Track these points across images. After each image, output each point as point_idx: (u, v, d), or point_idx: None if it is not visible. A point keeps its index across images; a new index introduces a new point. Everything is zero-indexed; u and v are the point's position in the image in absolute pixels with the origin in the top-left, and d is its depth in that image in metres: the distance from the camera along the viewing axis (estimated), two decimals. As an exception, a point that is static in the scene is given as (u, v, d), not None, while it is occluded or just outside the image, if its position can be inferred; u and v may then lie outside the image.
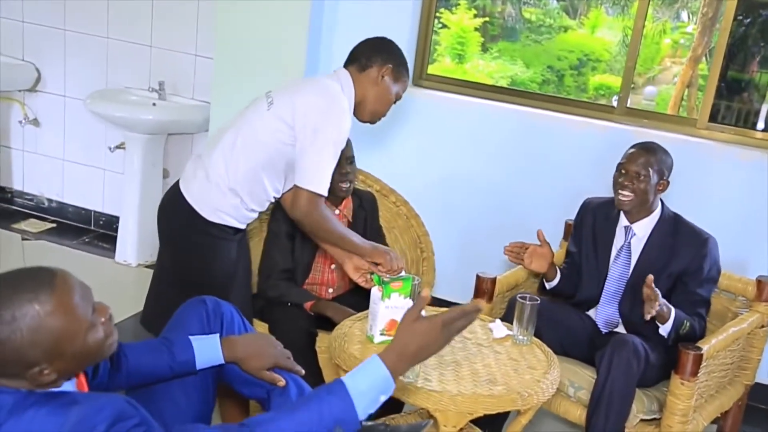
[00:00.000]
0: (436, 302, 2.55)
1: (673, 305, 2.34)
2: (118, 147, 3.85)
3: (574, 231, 2.73)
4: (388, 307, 2.05)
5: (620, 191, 2.46)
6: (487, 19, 4.90)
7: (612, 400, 2.22)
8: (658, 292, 2.24)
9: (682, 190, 2.81)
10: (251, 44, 3.28)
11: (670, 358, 2.27)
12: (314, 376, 2.24)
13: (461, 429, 1.91)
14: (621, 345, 2.25)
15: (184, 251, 2.36)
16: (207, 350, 1.75)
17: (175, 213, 2.36)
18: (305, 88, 2.33)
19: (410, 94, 3.37)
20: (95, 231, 4.19)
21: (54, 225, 4.22)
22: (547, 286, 2.65)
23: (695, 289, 2.43)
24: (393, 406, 2.29)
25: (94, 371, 1.59)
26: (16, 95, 4.15)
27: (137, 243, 3.78)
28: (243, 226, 2.41)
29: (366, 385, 1.39)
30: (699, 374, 2.21)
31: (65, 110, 4.09)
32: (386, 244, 2.68)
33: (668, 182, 2.49)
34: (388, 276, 2.29)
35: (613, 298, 2.55)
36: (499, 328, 2.25)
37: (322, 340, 2.36)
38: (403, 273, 2.35)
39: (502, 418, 2.39)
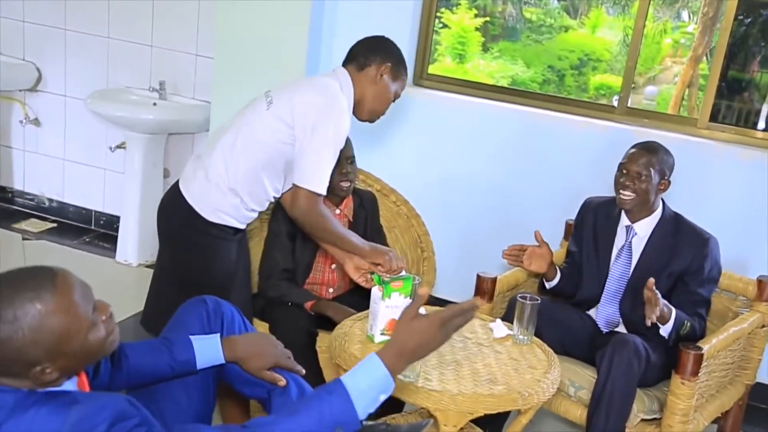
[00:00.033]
0: (437, 302, 2.55)
1: (674, 305, 2.34)
2: (118, 147, 3.86)
3: (574, 230, 2.72)
4: (389, 306, 2.05)
5: (621, 191, 2.46)
6: (487, 18, 4.90)
7: (613, 399, 2.22)
8: (659, 296, 2.24)
9: (683, 190, 2.81)
10: (252, 44, 3.28)
11: (671, 358, 2.27)
12: (315, 375, 2.24)
13: (462, 428, 1.91)
14: (622, 345, 2.25)
15: (184, 251, 2.37)
16: (207, 350, 1.75)
17: (174, 213, 2.36)
18: (304, 87, 2.33)
19: (411, 94, 3.37)
20: (96, 231, 4.19)
21: (54, 225, 4.22)
22: (547, 285, 2.65)
23: (696, 289, 2.43)
24: (393, 405, 2.29)
25: (95, 371, 1.60)
26: (16, 95, 4.15)
27: (138, 243, 3.78)
28: (243, 226, 2.41)
29: (366, 384, 1.39)
30: (700, 374, 2.21)
31: (66, 110, 4.10)
32: (387, 244, 2.68)
33: (670, 182, 2.49)
34: (388, 276, 2.29)
35: (614, 297, 2.55)
36: (500, 328, 2.25)
37: (323, 339, 2.36)
38: (403, 273, 2.35)
39: (502, 417, 2.39)
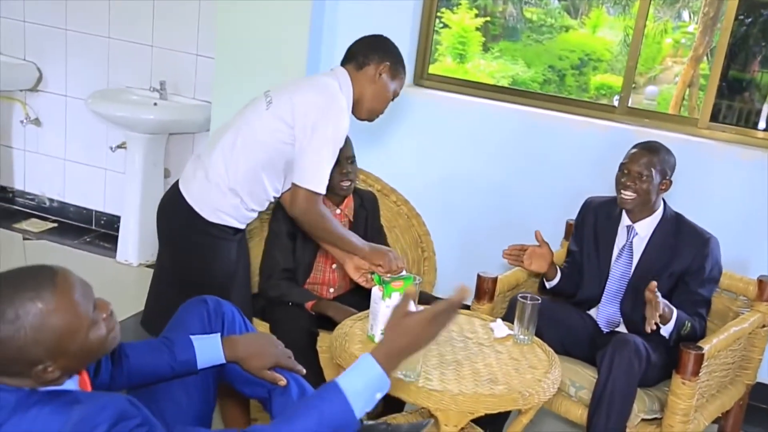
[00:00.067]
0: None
1: (675, 305, 2.34)
2: (119, 147, 3.86)
3: (575, 230, 2.72)
4: (389, 306, 2.05)
5: (623, 191, 2.46)
6: (488, 18, 4.90)
7: (613, 399, 2.22)
8: (660, 297, 2.24)
9: (684, 190, 2.81)
10: (252, 44, 3.28)
11: (672, 358, 2.27)
12: (315, 375, 2.24)
13: (462, 428, 1.91)
14: (622, 344, 2.25)
15: (184, 251, 2.37)
16: (208, 350, 1.75)
17: (174, 213, 2.36)
18: (304, 86, 2.33)
19: (411, 94, 3.37)
20: (96, 231, 4.19)
21: (55, 225, 4.22)
22: (548, 285, 2.65)
23: (696, 289, 2.43)
24: (394, 405, 2.29)
25: (95, 371, 1.60)
26: (17, 95, 4.16)
27: (138, 243, 3.78)
28: (243, 226, 2.41)
29: (361, 384, 1.39)
30: (700, 374, 2.21)
31: (66, 110, 4.10)
32: (387, 244, 2.68)
33: (671, 182, 2.48)
34: (388, 276, 2.29)
35: (615, 297, 2.55)
36: (500, 328, 2.25)
37: (323, 339, 2.36)
38: (404, 272, 2.35)
39: (503, 417, 2.39)
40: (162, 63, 3.82)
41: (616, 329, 2.56)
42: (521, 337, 2.21)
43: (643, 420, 2.31)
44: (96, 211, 4.20)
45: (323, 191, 2.27)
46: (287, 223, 2.51)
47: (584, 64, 4.79)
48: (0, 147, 4.28)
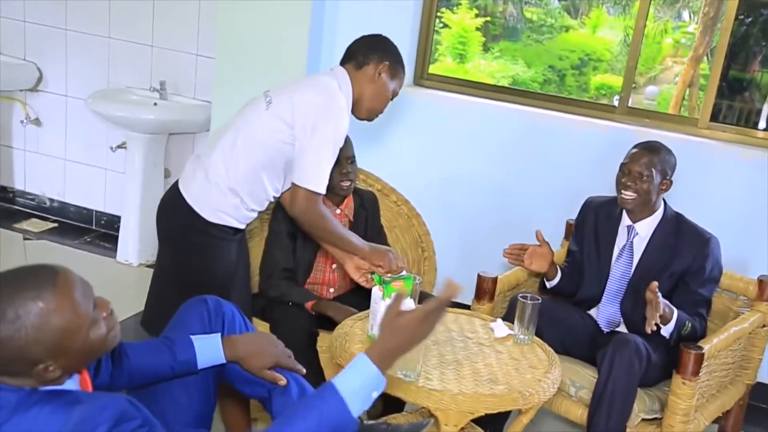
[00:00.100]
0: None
1: (675, 305, 2.34)
2: (119, 147, 3.86)
3: (575, 229, 2.72)
4: (390, 306, 2.05)
5: (623, 191, 2.46)
6: (488, 18, 4.90)
7: (613, 399, 2.22)
8: (661, 297, 2.24)
9: (684, 190, 2.81)
10: (252, 44, 3.28)
11: (672, 358, 2.27)
12: (315, 375, 2.24)
13: (462, 428, 1.91)
14: (623, 344, 2.25)
15: (184, 251, 2.36)
16: (208, 349, 1.75)
17: (174, 213, 2.36)
18: (304, 86, 2.33)
19: (411, 94, 3.37)
20: (97, 231, 4.19)
21: (55, 225, 4.22)
22: (548, 285, 2.65)
23: (697, 289, 2.43)
24: (394, 405, 2.29)
25: (96, 371, 1.60)
26: (17, 95, 4.16)
27: (139, 243, 3.78)
28: (243, 226, 2.41)
29: (358, 384, 1.40)
30: (700, 374, 2.21)
31: (67, 110, 4.10)
32: (387, 244, 2.68)
33: (671, 182, 2.48)
34: (389, 275, 2.29)
35: (615, 297, 2.55)
36: (501, 328, 2.25)
37: (324, 339, 2.36)
38: (404, 272, 2.35)
39: (503, 417, 2.39)
40: (162, 63, 3.82)
41: (617, 329, 2.56)
42: (521, 336, 2.21)
43: (643, 420, 2.31)
44: (96, 211, 4.20)
45: (323, 191, 2.27)
46: (287, 223, 2.51)
47: (584, 64, 4.79)
48: (0, 147, 4.29)
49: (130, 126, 3.69)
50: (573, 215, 2.77)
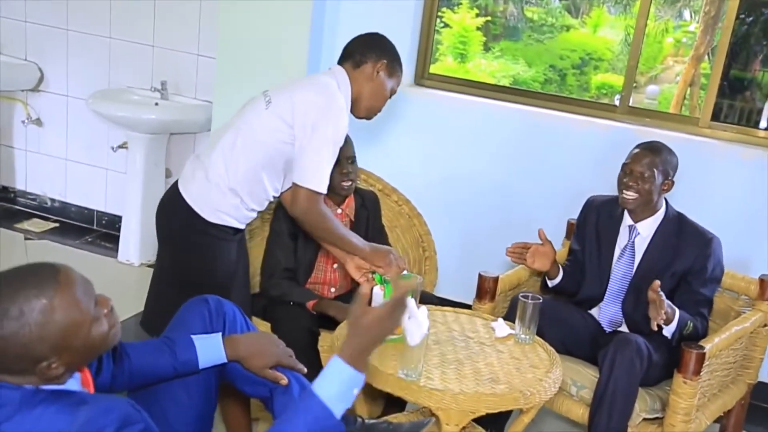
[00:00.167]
0: (439, 302, 2.55)
1: (677, 305, 2.34)
2: (120, 147, 3.86)
3: (577, 229, 2.72)
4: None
5: (625, 191, 2.46)
6: (489, 18, 4.89)
7: (615, 399, 2.22)
8: (664, 298, 2.23)
9: (685, 189, 2.81)
10: (253, 44, 3.28)
11: (673, 357, 2.27)
12: (317, 375, 2.23)
13: (464, 428, 1.91)
14: (624, 344, 2.25)
15: (184, 251, 2.36)
16: (209, 349, 1.75)
17: (174, 213, 2.35)
18: (303, 86, 2.33)
19: (412, 94, 3.37)
20: (98, 230, 4.20)
21: (57, 225, 4.23)
22: (550, 284, 2.65)
23: (698, 289, 2.43)
24: (395, 404, 2.29)
25: (97, 370, 1.60)
26: (18, 95, 4.16)
27: (140, 242, 3.79)
28: (243, 226, 2.41)
29: (336, 387, 1.42)
30: (702, 373, 2.21)
31: (68, 110, 4.10)
32: (388, 244, 2.68)
33: (673, 182, 2.48)
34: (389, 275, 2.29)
35: (617, 297, 2.55)
36: (502, 327, 2.25)
37: (325, 339, 2.36)
38: (405, 272, 2.35)
39: (504, 416, 2.39)
40: (163, 63, 3.82)
41: (618, 329, 2.56)
42: (522, 336, 2.21)
43: (644, 419, 2.31)
44: (97, 211, 4.21)
45: (324, 191, 2.27)
46: (289, 223, 2.51)
47: (585, 64, 4.78)
48: (1, 147, 4.29)
49: (131, 126, 3.69)
50: (574, 215, 2.77)
